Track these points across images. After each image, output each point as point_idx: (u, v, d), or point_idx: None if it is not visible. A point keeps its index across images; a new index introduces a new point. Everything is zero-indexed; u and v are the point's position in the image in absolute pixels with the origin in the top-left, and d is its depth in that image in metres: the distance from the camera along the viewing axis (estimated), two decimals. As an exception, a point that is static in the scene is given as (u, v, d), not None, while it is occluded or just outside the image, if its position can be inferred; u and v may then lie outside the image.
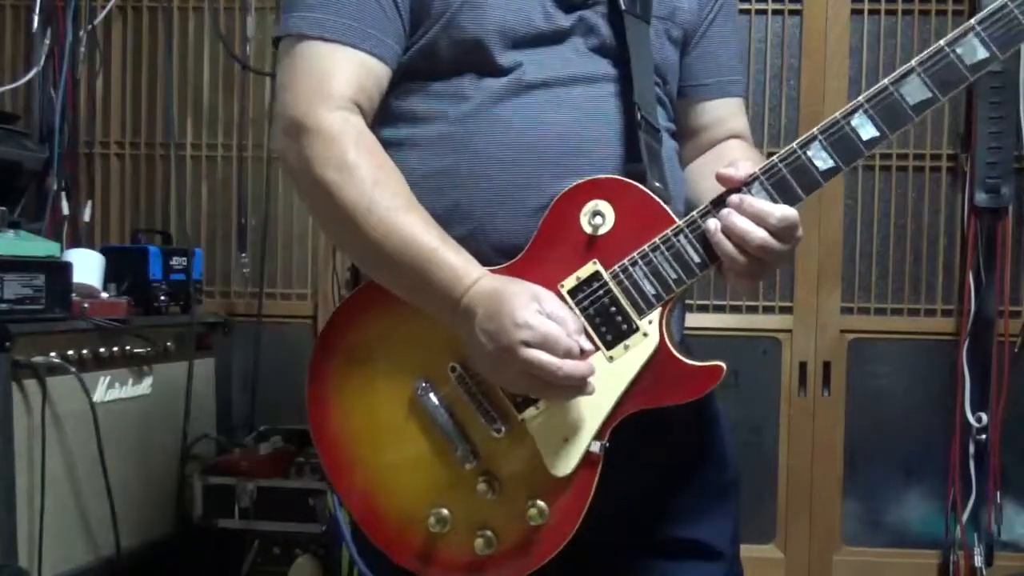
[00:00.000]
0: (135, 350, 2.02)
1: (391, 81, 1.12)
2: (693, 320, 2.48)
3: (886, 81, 1.00)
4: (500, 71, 1.09)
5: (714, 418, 1.26)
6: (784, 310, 2.49)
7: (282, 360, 2.49)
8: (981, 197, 2.36)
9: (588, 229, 1.05)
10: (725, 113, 1.27)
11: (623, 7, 1.11)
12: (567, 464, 1.05)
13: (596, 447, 1.05)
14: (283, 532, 2.14)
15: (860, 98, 1.01)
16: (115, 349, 1.96)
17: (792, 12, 2.49)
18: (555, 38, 1.11)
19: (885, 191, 2.49)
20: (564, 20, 1.11)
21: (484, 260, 1.06)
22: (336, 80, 1.06)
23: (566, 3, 1.11)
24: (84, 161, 2.61)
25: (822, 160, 1.01)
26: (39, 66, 2.45)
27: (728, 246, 1.01)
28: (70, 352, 1.84)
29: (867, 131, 1.00)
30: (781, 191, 1.01)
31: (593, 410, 1.05)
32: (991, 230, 2.38)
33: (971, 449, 2.40)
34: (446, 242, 1.04)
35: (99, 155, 2.62)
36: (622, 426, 1.07)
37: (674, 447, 1.19)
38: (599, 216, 1.05)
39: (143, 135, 2.62)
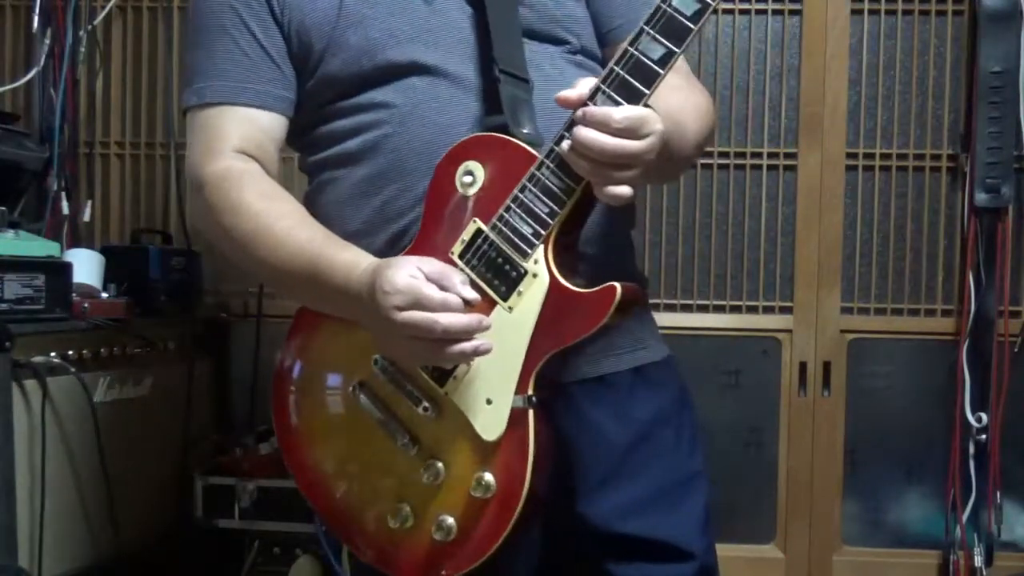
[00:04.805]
0: (135, 350, 2.02)
1: (311, 112, 1.18)
2: (693, 320, 2.49)
3: None
4: (400, 72, 1.13)
5: (687, 402, 1.26)
6: (784, 310, 2.49)
7: (282, 360, 2.49)
8: (981, 197, 2.36)
9: (462, 191, 1.08)
10: None
11: None
12: (497, 426, 1.05)
13: (520, 401, 1.05)
14: (283, 532, 2.14)
15: None
16: (115, 349, 1.96)
17: (792, 12, 2.49)
18: (437, 20, 1.14)
19: (885, 191, 2.49)
20: None
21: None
22: (219, 137, 1.15)
23: None
24: (84, 161, 2.61)
25: (655, 51, 1.00)
26: (39, 66, 2.45)
27: (582, 162, 0.99)
28: (70, 352, 1.83)
29: (689, 5, 0.99)
30: (624, 93, 1.00)
31: (506, 364, 1.05)
32: (991, 230, 2.38)
33: (971, 449, 2.40)
34: (332, 245, 1.09)
35: (99, 155, 2.62)
36: (580, 396, 1.09)
37: (645, 434, 1.19)
38: (469, 175, 1.07)
39: (143, 135, 2.62)
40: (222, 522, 2.13)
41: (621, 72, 1.00)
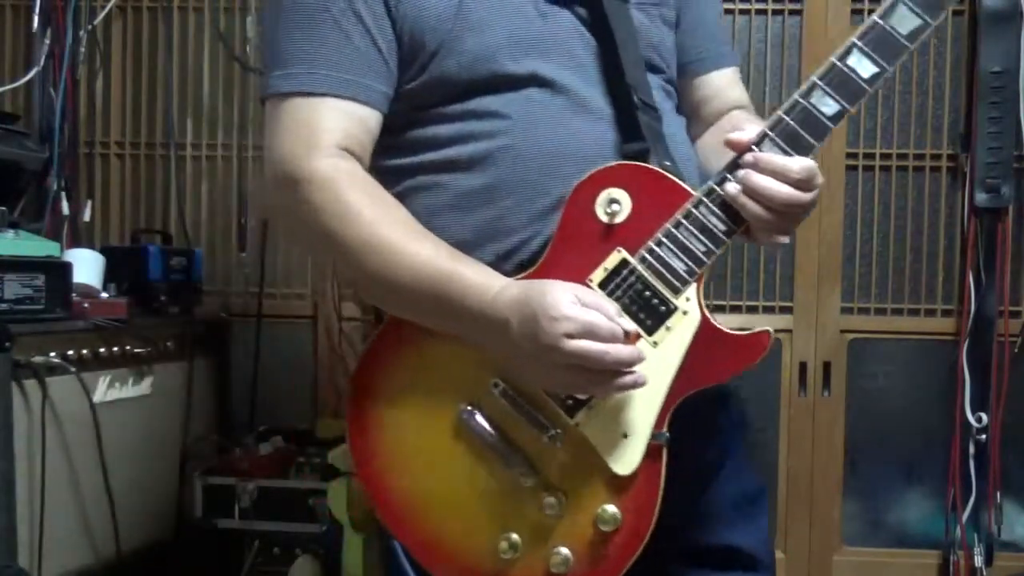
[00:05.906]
0: (135, 350, 2.02)
1: (405, 114, 1.11)
2: (693, 320, 2.49)
3: (874, 16, 1.01)
4: (516, 82, 1.09)
5: (748, 424, 1.28)
6: (784, 310, 2.49)
7: (282, 360, 2.49)
8: (981, 197, 2.36)
9: (605, 219, 1.04)
10: (722, 84, 1.28)
11: None
12: (631, 461, 1.02)
13: (658, 437, 1.02)
14: (283, 532, 2.13)
15: (852, 38, 1.01)
16: (115, 349, 1.96)
17: (792, 12, 2.49)
18: (552, 36, 1.10)
19: (885, 191, 2.49)
20: (555, 13, 1.11)
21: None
22: (322, 130, 1.06)
23: None
24: (84, 161, 2.61)
25: (827, 106, 1.01)
26: (39, 66, 2.45)
27: (754, 207, 1.00)
28: (70, 352, 1.83)
29: (866, 68, 1.00)
30: (792, 144, 1.01)
31: (647, 399, 1.02)
32: (991, 230, 2.38)
33: (971, 449, 2.40)
34: (459, 261, 1.03)
35: (99, 155, 2.62)
36: (676, 425, 1.05)
37: (722, 448, 1.19)
38: (615, 203, 1.03)
39: (143, 135, 2.62)
40: (222, 522, 2.12)
41: (791, 122, 1.01)
